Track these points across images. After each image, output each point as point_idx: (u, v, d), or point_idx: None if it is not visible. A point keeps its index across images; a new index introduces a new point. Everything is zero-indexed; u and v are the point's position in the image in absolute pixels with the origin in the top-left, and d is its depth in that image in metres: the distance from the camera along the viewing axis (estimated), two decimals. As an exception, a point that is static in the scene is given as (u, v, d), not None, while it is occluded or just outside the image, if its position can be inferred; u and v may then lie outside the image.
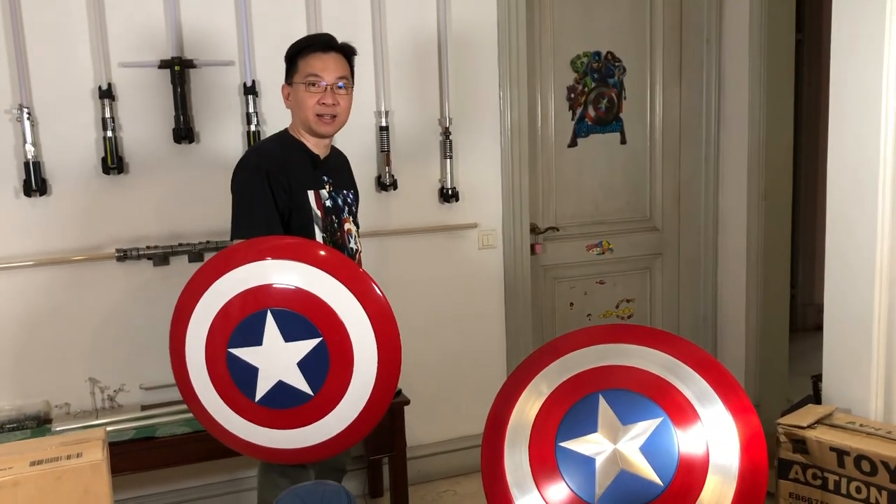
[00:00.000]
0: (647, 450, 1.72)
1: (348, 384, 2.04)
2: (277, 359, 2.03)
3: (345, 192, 2.44)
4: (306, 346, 2.03)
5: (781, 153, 3.58)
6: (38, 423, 2.69)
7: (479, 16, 3.18)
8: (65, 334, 2.79)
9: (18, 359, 2.75)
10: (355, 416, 2.06)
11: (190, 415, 2.71)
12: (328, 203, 2.34)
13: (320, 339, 2.03)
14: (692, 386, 1.79)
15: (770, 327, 3.66)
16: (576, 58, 3.46)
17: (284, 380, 2.04)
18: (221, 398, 2.09)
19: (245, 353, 2.05)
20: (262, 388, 2.05)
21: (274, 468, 2.26)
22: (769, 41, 3.46)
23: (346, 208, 2.43)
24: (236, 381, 2.07)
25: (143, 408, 2.83)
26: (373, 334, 2.04)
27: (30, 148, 2.63)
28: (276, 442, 2.10)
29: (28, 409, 2.73)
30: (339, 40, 2.35)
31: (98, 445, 1.43)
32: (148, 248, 2.81)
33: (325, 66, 2.26)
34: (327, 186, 2.36)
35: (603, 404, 1.76)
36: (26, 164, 2.63)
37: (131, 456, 2.60)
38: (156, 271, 2.85)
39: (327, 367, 2.03)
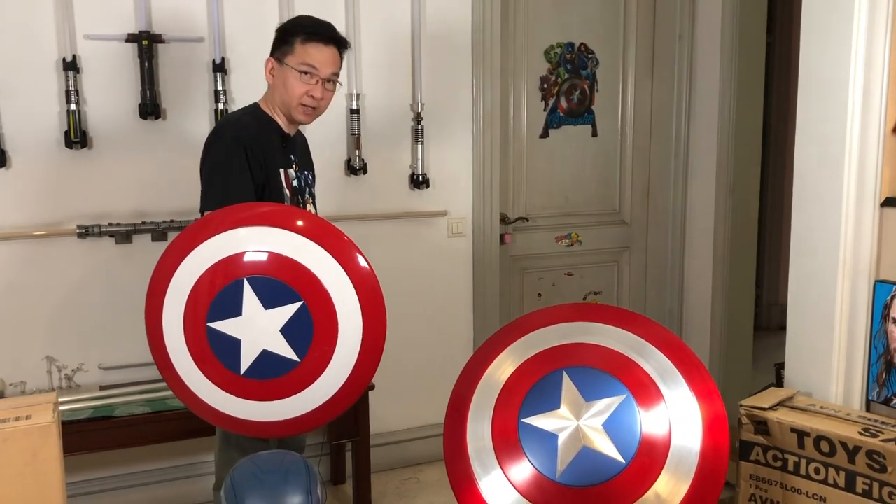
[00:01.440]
0: (610, 427, 1.72)
1: (334, 347, 1.99)
2: (259, 327, 1.98)
3: (306, 172, 2.41)
4: (288, 311, 1.98)
5: (749, 150, 3.61)
6: (-9, 401, 2.63)
7: (453, 1, 3.17)
8: (22, 311, 2.72)
9: (-27, 335, 2.68)
10: (343, 381, 2.01)
11: (150, 395, 2.70)
12: (295, 183, 2.31)
13: (301, 302, 1.98)
14: (656, 365, 1.79)
15: (735, 323, 3.69)
16: (549, 48, 3.46)
17: (269, 348, 1.99)
18: (205, 375, 2.02)
19: (225, 326, 1.99)
20: (247, 359, 2.00)
21: (232, 445, 2.22)
22: (741, 40, 3.49)
23: (307, 189, 2.40)
24: (219, 355, 2.00)
25: (102, 388, 2.78)
26: (355, 294, 1.99)
27: (-10, 119, 2.57)
28: (264, 415, 2.04)
29: (-18, 387, 2.66)
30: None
31: (48, 409, 1.39)
32: (110, 225, 2.75)
33: (325, 60, 2.21)
34: (294, 166, 2.33)
35: (567, 381, 1.76)
36: (-14, 135, 2.57)
37: (88, 435, 2.55)
38: (118, 249, 2.79)
39: (311, 332, 1.98)
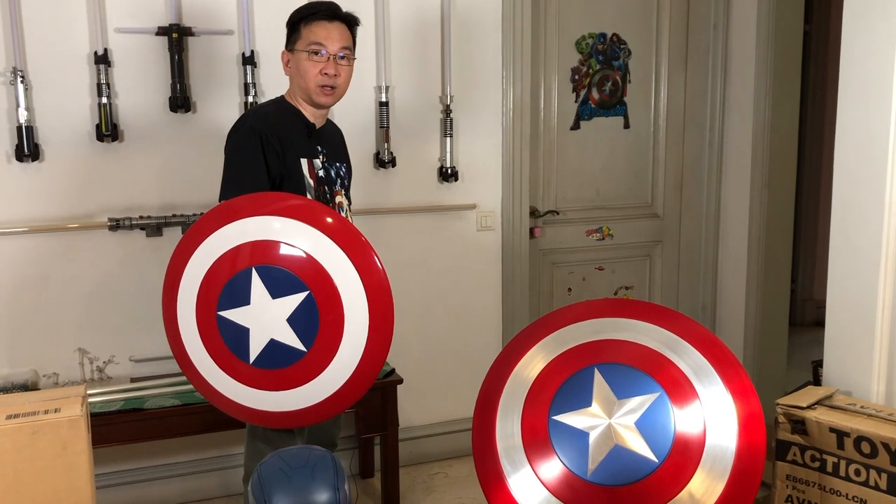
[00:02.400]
0: (643, 425, 1.68)
1: (340, 339, 1.99)
2: (267, 317, 1.99)
3: (338, 164, 2.40)
4: (294, 300, 1.98)
5: (786, 143, 3.54)
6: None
7: (484, -7, 3.13)
8: (55, 303, 2.74)
9: (7, 327, 2.70)
10: (348, 375, 2.01)
11: (179, 388, 2.70)
12: (321, 173, 2.30)
13: (307, 292, 1.98)
14: (691, 362, 1.75)
15: (769, 319, 3.62)
16: (581, 39, 3.41)
17: (276, 338, 2.00)
18: (216, 363, 2.05)
19: (234, 315, 2.01)
20: (255, 348, 2.01)
21: (258, 437, 2.22)
22: (777, 29, 3.41)
23: (339, 181, 2.39)
24: (229, 344, 2.03)
25: (133, 380, 2.79)
26: (363, 290, 1.99)
27: (23, 112, 2.58)
28: (273, 405, 2.06)
29: (15, 378, 2.68)
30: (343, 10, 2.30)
31: (77, 402, 1.39)
32: (141, 217, 2.76)
33: (329, 36, 2.22)
34: (321, 157, 2.32)
35: (598, 378, 1.72)
36: (19, 129, 2.59)
37: (119, 427, 2.56)
38: (148, 242, 2.80)
39: (317, 322, 1.98)
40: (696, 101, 3.64)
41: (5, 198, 2.64)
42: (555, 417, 1.69)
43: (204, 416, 2.64)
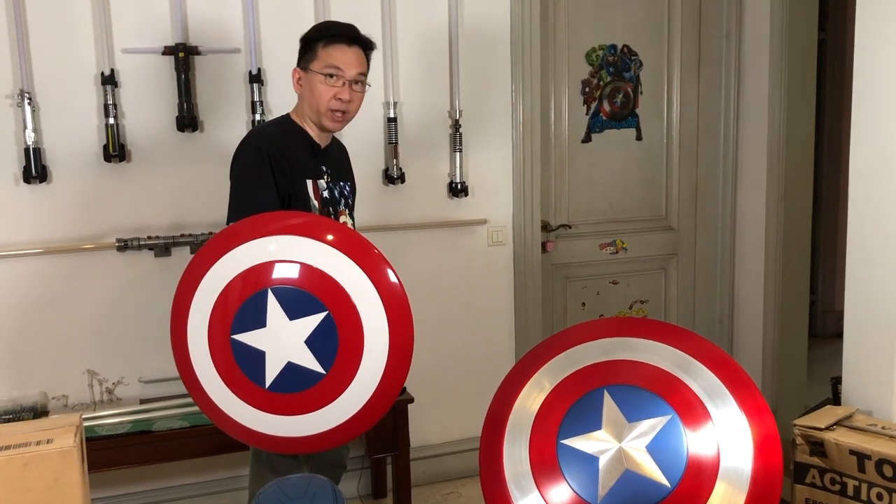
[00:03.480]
0: (654, 449, 1.63)
1: (360, 360, 1.93)
2: (284, 339, 1.93)
3: (342, 183, 2.37)
4: (312, 321, 1.93)
5: (802, 152, 3.48)
6: (34, 415, 2.64)
7: (492, 6, 3.11)
8: (63, 325, 2.74)
9: (16, 349, 2.70)
10: (370, 395, 1.95)
11: (188, 409, 2.68)
12: (325, 194, 2.28)
13: (326, 313, 1.92)
14: (703, 383, 1.69)
15: (788, 332, 3.56)
16: (591, 51, 3.38)
17: (294, 360, 1.94)
18: (229, 388, 1.97)
19: (249, 338, 1.95)
20: (272, 372, 1.95)
21: (263, 462, 2.18)
22: (791, 37, 3.37)
23: (343, 200, 2.36)
24: (243, 368, 1.96)
25: (142, 401, 2.78)
26: (382, 307, 1.94)
27: (30, 134, 2.59)
28: (287, 430, 1.99)
29: (25, 401, 2.68)
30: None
31: (70, 431, 1.36)
32: (149, 238, 2.75)
33: (349, 61, 2.18)
34: (325, 177, 2.30)
35: (608, 400, 1.67)
36: (26, 151, 2.59)
37: (127, 450, 2.55)
38: (157, 262, 2.79)
39: (336, 342, 1.93)
40: (709, 111, 3.59)
41: (13, 219, 2.64)
42: (563, 441, 1.64)
43: (213, 438, 2.60)
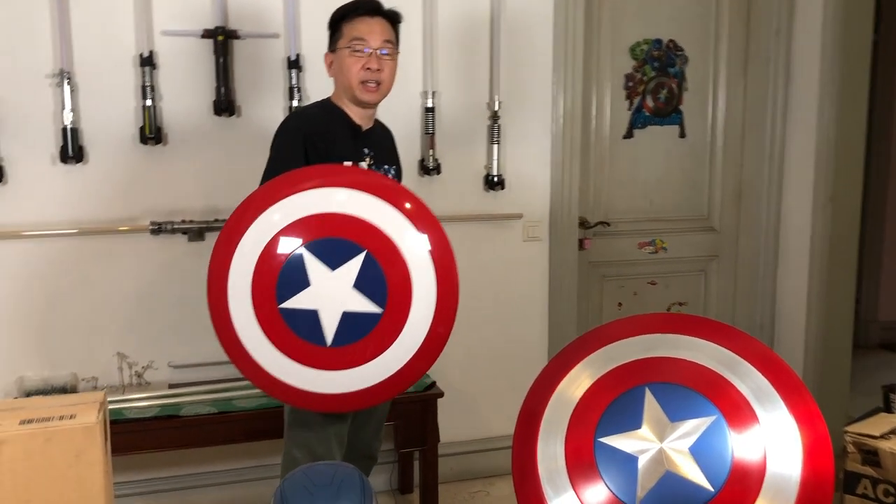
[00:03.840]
0: (697, 451, 1.55)
1: (411, 288, 1.94)
2: (332, 291, 1.92)
3: (385, 167, 2.33)
4: (355, 264, 1.92)
5: (852, 154, 3.37)
6: (63, 396, 2.63)
7: (534, -3, 3.04)
8: (95, 306, 2.73)
9: (48, 329, 2.69)
10: (428, 326, 1.96)
11: (217, 395, 2.67)
12: (365, 177, 2.23)
13: (364, 252, 1.92)
14: (751, 384, 1.61)
15: (832, 340, 3.44)
16: (635, 45, 3.30)
17: (348, 309, 1.93)
18: (291, 357, 1.95)
19: (297, 301, 1.93)
20: (329, 327, 1.93)
21: (297, 447, 2.14)
22: (844, 37, 3.25)
23: (386, 184, 2.31)
24: (300, 333, 1.94)
25: (171, 386, 2.76)
26: (414, 229, 1.96)
27: (68, 114, 2.58)
28: (357, 383, 1.97)
29: (55, 381, 2.67)
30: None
31: (94, 408, 1.32)
32: (183, 221, 2.73)
33: (371, 30, 2.16)
34: (367, 159, 2.25)
35: (649, 398, 1.60)
36: (64, 131, 2.58)
37: (154, 434, 2.53)
38: (190, 247, 2.77)
39: (384, 278, 1.93)
40: (755, 109, 3.49)
41: (49, 199, 2.63)
42: (601, 440, 1.57)
43: (241, 425, 2.60)
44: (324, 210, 1.95)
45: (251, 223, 1.95)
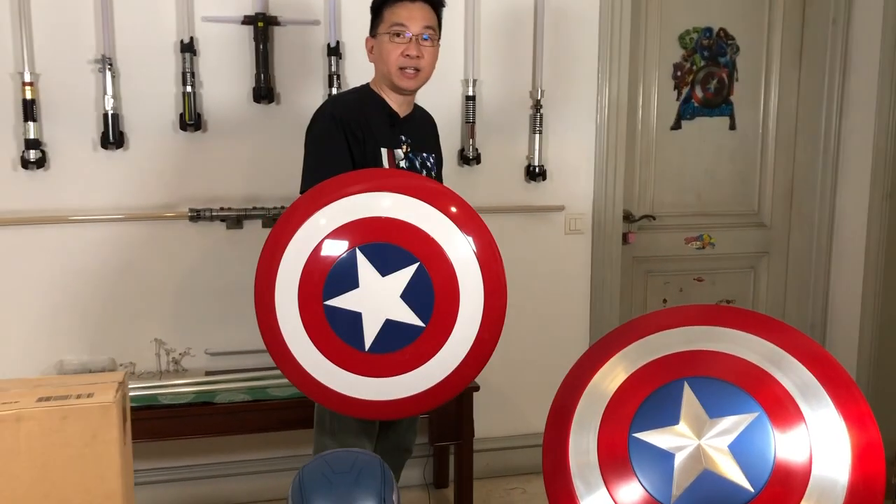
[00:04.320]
0: (737, 449, 1.48)
1: (458, 307, 1.91)
2: (379, 297, 1.90)
3: (424, 154, 2.29)
4: (405, 274, 1.90)
5: (913, 148, 3.22)
6: (102, 380, 2.65)
7: (580, -19, 2.97)
8: (134, 292, 2.74)
9: (87, 314, 2.72)
10: (469, 345, 1.93)
11: (253, 383, 2.66)
12: (403, 164, 2.20)
13: (417, 263, 1.90)
14: (797, 380, 1.53)
15: (889, 341, 3.30)
16: (685, 33, 3.20)
17: (392, 317, 1.91)
18: (326, 357, 1.93)
19: (344, 301, 1.91)
20: (370, 332, 1.91)
21: (327, 437, 2.12)
22: (905, 26, 3.11)
23: (424, 171, 2.27)
24: (340, 333, 1.91)
25: (208, 373, 2.76)
26: (470, 247, 1.93)
27: (109, 100, 2.59)
28: (391, 392, 1.95)
29: (93, 366, 2.70)
30: (430, 0, 2.19)
31: (112, 388, 1.31)
32: (222, 209, 2.73)
33: (412, 16, 2.12)
34: (404, 147, 2.21)
35: (688, 393, 1.53)
36: (105, 116, 2.60)
37: (188, 420, 2.54)
38: (228, 234, 2.77)
39: (433, 293, 1.90)
40: (810, 101, 3.35)
41: (90, 185, 2.65)
42: (636, 435, 1.51)
43: (276, 413, 2.59)
44: (375, 213, 1.93)
45: (303, 222, 1.92)
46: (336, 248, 1.91)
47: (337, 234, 1.91)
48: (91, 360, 2.70)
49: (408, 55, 2.11)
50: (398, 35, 2.11)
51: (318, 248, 1.91)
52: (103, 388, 1.29)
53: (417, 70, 2.14)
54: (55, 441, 1.22)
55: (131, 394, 2.52)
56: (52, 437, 1.22)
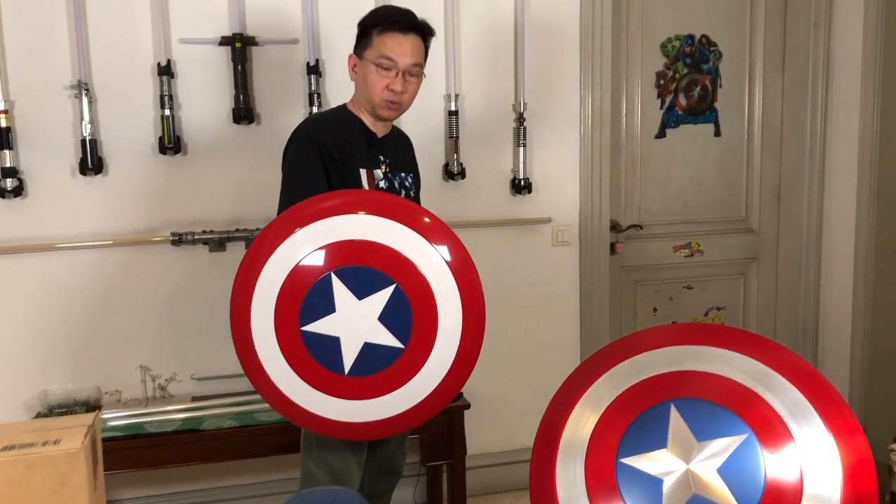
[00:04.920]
0: (727, 472, 1.45)
1: (436, 328, 1.91)
2: (356, 320, 1.88)
3: (403, 174, 2.26)
4: (382, 296, 1.89)
5: (898, 150, 3.22)
6: (86, 409, 2.62)
7: (560, -8, 2.95)
8: (117, 319, 2.71)
9: (71, 342, 2.68)
10: (449, 365, 1.93)
11: (239, 408, 2.63)
12: (382, 184, 2.17)
13: (394, 285, 1.89)
14: (786, 399, 1.50)
15: (880, 345, 3.30)
16: (666, 41, 3.18)
17: (370, 340, 1.89)
18: (305, 381, 1.91)
19: (321, 326, 1.89)
20: (349, 356, 1.89)
21: (314, 462, 2.10)
22: (888, 27, 3.11)
23: (403, 192, 2.25)
24: (319, 358, 1.90)
25: (194, 399, 2.72)
26: (446, 267, 1.93)
27: (87, 125, 2.57)
28: (371, 414, 1.93)
29: (78, 395, 2.66)
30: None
31: (80, 432, 1.28)
32: (204, 232, 2.70)
33: (402, 50, 2.07)
34: (383, 167, 2.19)
35: (675, 416, 1.50)
36: (83, 142, 2.57)
37: (175, 448, 2.51)
38: (212, 257, 2.74)
39: (410, 314, 1.89)
40: (794, 105, 3.35)
41: (70, 212, 2.62)
42: (623, 460, 1.48)
43: (263, 439, 2.56)
44: (348, 237, 1.91)
45: (275, 248, 1.90)
46: (310, 274, 1.88)
47: (311, 259, 1.89)
48: (76, 389, 2.66)
49: (392, 89, 2.08)
50: (385, 68, 2.07)
51: (292, 273, 1.89)
52: (71, 433, 1.25)
53: (399, 102, 2.12)
54: (21, 492, 1.18)
55: (116, 423, 2.51)
56: (17, 487, 1.18)
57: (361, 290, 1.89)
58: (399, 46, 2.07)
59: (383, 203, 1.98)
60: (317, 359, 1.89)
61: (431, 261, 1.93)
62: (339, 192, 2.03)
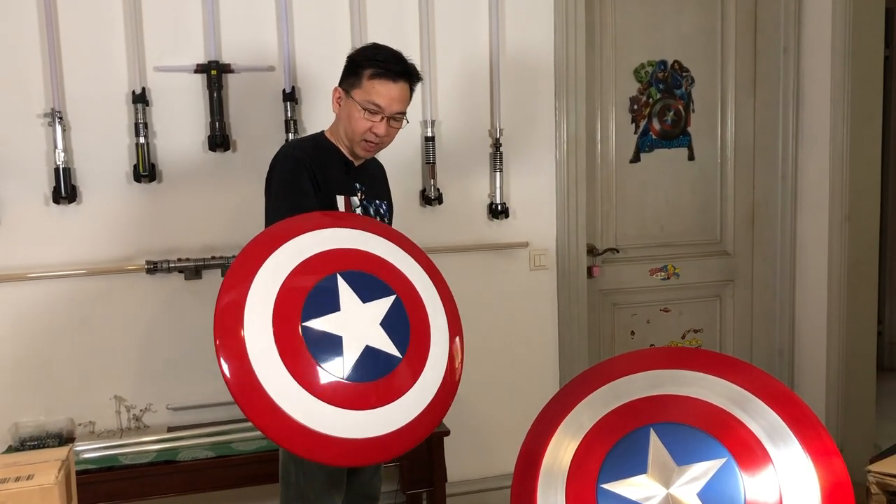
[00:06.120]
0: (707, 496, 1.45)
1: (429, 342, 1.95)
2: (359, 322, 1.88)
3: (377, 201, 2.27)
4: (384, 304, 1.92)
5: (868, 172, 3.30)
6: (59, 442, 2.57)
7: (534, 20, 2.98)
8: (91, 349, 2.67)
9: (43, 373, 2.64)
10: (439, 382, 1.95)
11: (215, 438, 2.58)
12: (359, 211, 2.18)
13: (395, 296, 1.93)
14: (763, 423, 1.52)
15: (854, 364, 3.33)
16: (639, 67, 3.23)
17: (371, 343, 1.87)
18: (302, 385, 1.78)
19: (324, 323, 1.84)
20: (350, 357, 1.84)
21: (293, 494, 2.06)
22: (855, 53, 3.18)
23: (378, 218, 2.25)
24: (318, 358, 1.82)
25: (170, 429, 2.68)
26: (433, 287, 2.03)
27: (60, 154, 2.54)
28: (365, 430, 1.82)
29: (50, 427, 2.61)
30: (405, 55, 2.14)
31: (54, 467, 1.25)
32: (179, 260, 2.68)
33: (391, 97, 2.07)
34: (359, 194, 2.20)
35: (655, 440, 1.50)
36: (56, 171, 2.54)
37: (151, 480, 2.46)
38: (187, 285, 2.71)
39: (408, 326, 1.93)
40: (766, 129, 3.40)
41: (43, 241, 2.59)
42: (604, 486, 1.47)
43: (240, 469, 2.52)
44: (354, 246, 1.98)
45: (282, 244, 1.90)
46: (316, 271, 1.89)
47: (318, 258, 1.90)
48: (48, 421, 2.61)
49: (375, 133, 2.09)
50: (372, 112, 2.07)
51: (297, 269, 1.87)
52: (45, 467, 1.23)
53: (378, 144, 2.13)
54: (-6, 529, 1.16)
55: (90, 455, 2.47)
56: (-9, 525, 1.16)
57: (365, 294, 1.90)
58: (388, 93, 2.07)
59: (386, 230, 2.11)
60: (315, 356, 1.82)
61: (425, 283, 2.01)
62: (347, 213, 2.12)
